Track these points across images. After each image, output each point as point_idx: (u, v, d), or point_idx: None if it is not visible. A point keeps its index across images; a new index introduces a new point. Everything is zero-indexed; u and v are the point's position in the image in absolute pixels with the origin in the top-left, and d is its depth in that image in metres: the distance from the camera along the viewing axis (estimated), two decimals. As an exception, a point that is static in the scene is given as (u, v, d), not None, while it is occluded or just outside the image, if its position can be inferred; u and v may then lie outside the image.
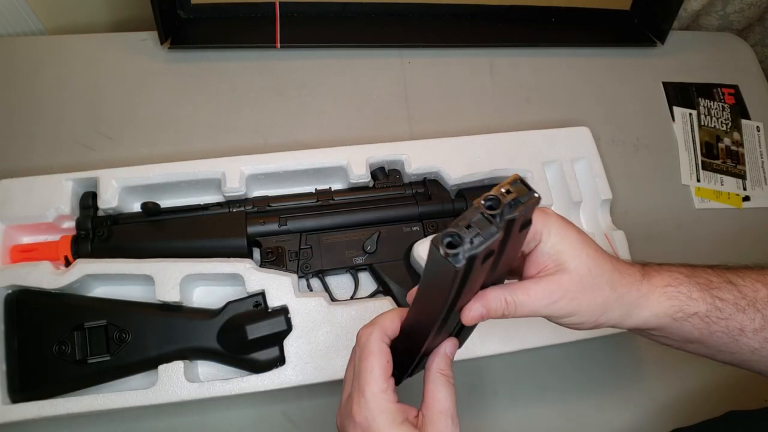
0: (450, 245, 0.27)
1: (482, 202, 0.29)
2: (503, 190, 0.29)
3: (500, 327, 0.58)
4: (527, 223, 0.32)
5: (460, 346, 0.40)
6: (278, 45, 0.77)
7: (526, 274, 0.38)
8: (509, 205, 0.29)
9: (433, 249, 0.28)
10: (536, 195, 0.30)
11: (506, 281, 0.38)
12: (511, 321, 0.58)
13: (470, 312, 0.36)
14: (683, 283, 0.40)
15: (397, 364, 0.38)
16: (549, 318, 0.38)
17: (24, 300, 0.55)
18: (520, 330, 0.58)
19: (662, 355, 0.65)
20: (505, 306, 0.36)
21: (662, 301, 0.39)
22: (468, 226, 0.28)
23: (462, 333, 0.40)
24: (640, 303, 0.39)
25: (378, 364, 0.37)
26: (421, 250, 0.59)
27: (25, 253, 0.58)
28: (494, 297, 0.36)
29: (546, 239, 0.37)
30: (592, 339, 0.60)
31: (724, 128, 0.82)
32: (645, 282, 0.39)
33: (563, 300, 0.37)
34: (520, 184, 0.30)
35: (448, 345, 0.38)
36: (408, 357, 0.39)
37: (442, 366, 0.38)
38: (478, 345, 0.57)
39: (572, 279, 0.37)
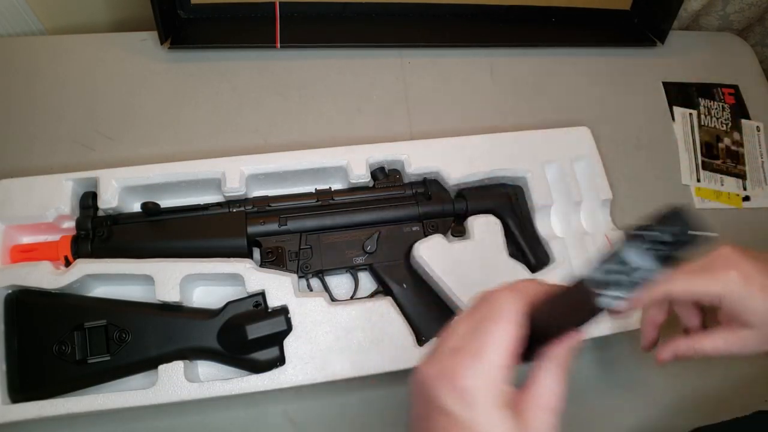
0: (602, 284, 0.28)
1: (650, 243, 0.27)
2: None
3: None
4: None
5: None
6: (278, 45, 0.77)
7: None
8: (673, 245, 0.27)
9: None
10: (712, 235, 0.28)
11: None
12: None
13: (664, 352, 0.44)
14: None
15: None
16: (736, 355, 0.42)
17: (24, 300, 0.55)
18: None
19: (662, 355, 0.65)
20: (692, 351, 0.43)
21: None
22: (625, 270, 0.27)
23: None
24: None
25: (510, 335, 0.32)
26: (421, 250, 0.59)
27: (25, 253, 0.58)
28: (684, 344, 0.43)
29: (727, 304, 0.41)
30: (592, 339, 0.60)
31: (724, 128, 0.82)
32: None
33: (750, 343, 0.41)
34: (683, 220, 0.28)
35: (573, 337, 0.34)
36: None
37: (559, 355, 0.34)
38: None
39: (755, 334, 0.41)
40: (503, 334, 0.32)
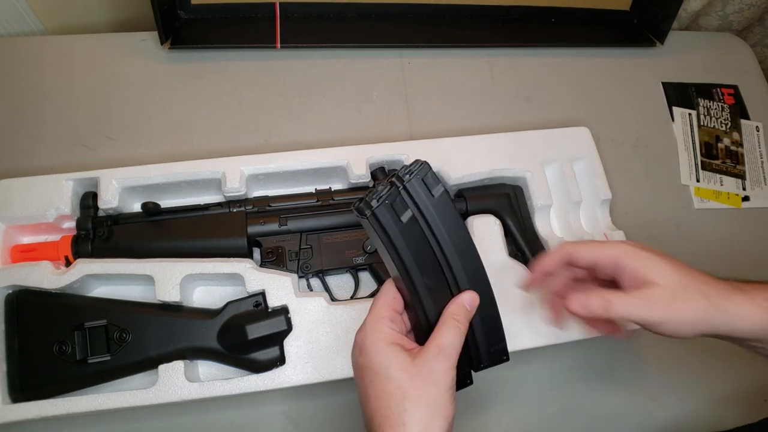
0: (359, 209, 0.40)
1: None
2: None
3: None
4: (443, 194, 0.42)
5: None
6: (278, 45, 0.77)
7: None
8: (401, 175, 0.41)
9: (356, 216, 0.40)
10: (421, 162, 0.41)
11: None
12: (511, 321, 0.58)
13: (573, 301, 0.42)
14: None
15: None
16: (648, 324, 0.41)
17: (24, 300, 0.55)
18: (520, 330, 0.58)
19: (663, 356, 0.65)
20: (605, 303, 0.41)
21: (760, 313, 0.41)
22: (375, 195, 0.40)
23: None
24: (738, 312, 0.41)
25: (383, 297, 0.42)
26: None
27: (25, 253, 0.58)
28: (596, 294, 0.41)
29: (627, 264, 0.42)
30: (593, 339, 0.60)
31: (724, 128, 0.83)
32: (738, 293, 0.41)
33: (657, 306, 0.40)
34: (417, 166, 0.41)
35: (466, 295, 0.42)
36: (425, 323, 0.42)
37: (455, 311, 0.41)
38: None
39: (663, 290, 0.41)
40: (378, 299, 0.43)
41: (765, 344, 0.42)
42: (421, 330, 0.42)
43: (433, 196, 0.41)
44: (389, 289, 0.43)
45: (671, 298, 0.41)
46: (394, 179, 0.41)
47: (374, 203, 0.39)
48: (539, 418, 0.61)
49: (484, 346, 0.44)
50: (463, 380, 0.44)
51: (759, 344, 0.42)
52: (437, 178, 0.41)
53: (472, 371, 0.45)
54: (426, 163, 0.42)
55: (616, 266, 0.43)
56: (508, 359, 0.45)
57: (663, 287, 0.41)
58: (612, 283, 0.44)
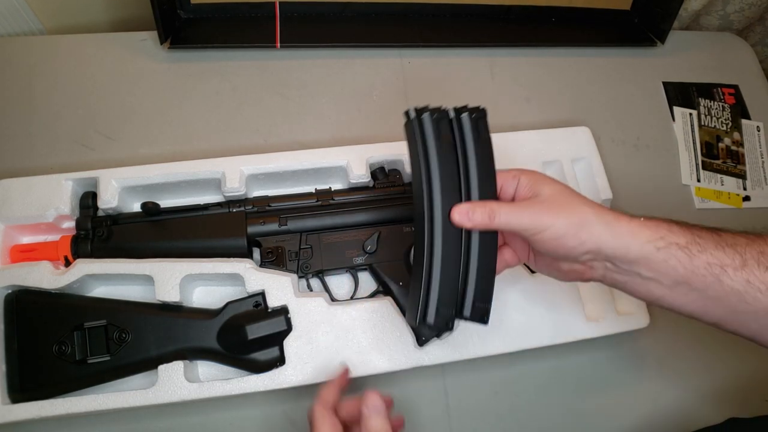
0: (407, 112, 0.44)
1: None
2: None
3: (500, 327, 0.58)
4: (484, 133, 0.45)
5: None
6: (278, 45, 0.77)
7: None
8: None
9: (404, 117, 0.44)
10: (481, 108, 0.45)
11: None
12: (511, 321, 0.58)
13: (456, 211, 0.42)
14: (663, 221, 0.43)
15: None
16: (531, 231, 0.42)
17: (24, 300, 0.55)
18: (520, 330, 0.58)
19: (663, 356, 0.65)
20: (489, 211, 0.42)
21: (643, 229, 0.41)
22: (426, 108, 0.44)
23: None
24: (620, 224, 0.41)
25: (323, 429, 0.43)
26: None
27: (25, 253, 0.58)
28: (480, 204, 0.42)
29: (524, 179, 0.44)
30: (593, 339, 0.60)
31: (725, 128, 0.82)
32: (623, 214, 0.43)
33: (541, 210, 0.42)
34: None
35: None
36: None
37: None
38: (478, 345, 0.57)
39: (547, 199, 0.42)
40: (325, 427, 0.43)
41: (653, 271, 0.41)
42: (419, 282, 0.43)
43: (479, 136, 0.44)
44: (324, 418, 0.43)
45: (555, 205, 0.42)
46: (449, 108, 0.44)
47: (423, 114, 0.43)
48: (539, 418, 0.61)
49: (470, 298, 0.45)
50: (445, 325, 0.44)
51: (646, 272, 0.42)
52: (488, 128, 0.44)
53: (455, 318, 0.45)
54: (485, 109, 0.45)
55: (516, 182, 0.44)
56: (486, 323, 0.45)
57: (549, 195, 0.42)
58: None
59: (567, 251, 0.42)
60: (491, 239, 0.45)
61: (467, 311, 0.45)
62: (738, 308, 0.41)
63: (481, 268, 0.44)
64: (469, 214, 0.42)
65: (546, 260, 0.47)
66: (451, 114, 0.45)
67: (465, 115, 0.45)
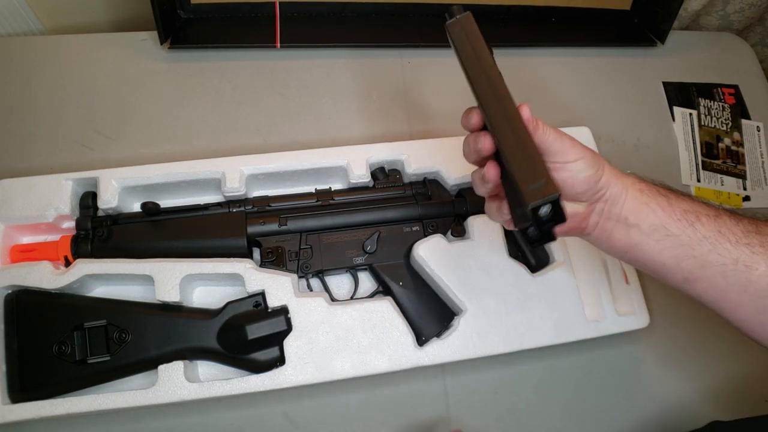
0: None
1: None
2: None
3: (500, 327, 0.58)
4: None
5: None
6: (278, 45, 0.77)
7: None
8: None
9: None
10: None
11: None
12: (511, 321, 0.58)
13: (525, 108, 0.45)
14: (643, 180, 0.47)
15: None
16: (563, 158, 0.44)
17: (24, 300, 0.55)
18: (520, 330, 0.58)
19: (663, 356, 0.65)
20: (541, 125, 0.45)
21: (631, 178, 0.46)
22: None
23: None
24: (616, 174, 0.45)
25: None
26: (421, 250, 0.59)
27: (25, 253, 0.58)
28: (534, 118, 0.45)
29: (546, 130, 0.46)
30: (593, 339, 0.60)
31: (724, 128, 0.82)
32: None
33: (573, 143, 0.44)
34: None
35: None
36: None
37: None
38: (478, 345, 0.57)
39: (572, 139, 0.45)
40: None
41: (636, 216, 0.45)
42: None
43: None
44: None
45: (580, 145, 0.45)
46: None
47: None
48: (539, 418, 0.61)
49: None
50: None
51: (633, 218, 0.45)
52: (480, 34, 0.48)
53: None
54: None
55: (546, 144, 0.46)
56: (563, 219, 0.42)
57: (572, 138, 0.46)
58: None
59: (588, 184, 0.44)
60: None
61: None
62: (708, 259, 0.43)
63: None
64: (531, 115, 0.44)
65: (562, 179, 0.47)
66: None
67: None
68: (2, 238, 0.58)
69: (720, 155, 0.80)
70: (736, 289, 0.43)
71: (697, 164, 0.79)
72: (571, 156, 0.44)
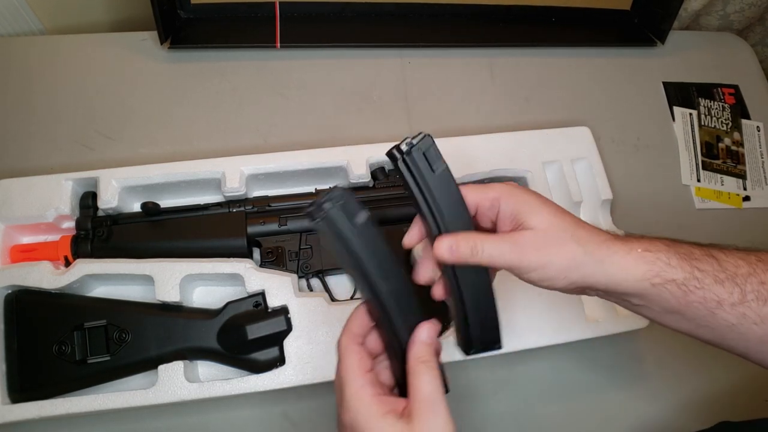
0: (310, 214, 0.36)
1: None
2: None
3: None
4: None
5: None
6: (278, 45, 0.77)
7: None
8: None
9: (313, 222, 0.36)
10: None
11: None
12: (510, 321, 0.58)
13: (440, 245, 0.38)
14: (662, 250, 0.39)
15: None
16: (517, 270, 0.39)
17: (24, 300, 0.55)
18: (520, 330, 0.58)
19: (663, 356, 0.65)
20: (472, 245, 0.38)
21: (639, 264, 0.38)
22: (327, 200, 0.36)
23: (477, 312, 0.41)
24: (613, 261, 0.38)
25: (351, 364, 0.38)
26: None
27: (25, 253, 0.58)
28: (464, 236, 0.38)
29: (504, 206, 0.40)
30: (593, 339, 0.60)
31: (725, 128, 0.82)
32: (618, 242, 0.39)
33: (528, 250, 0.38)
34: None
35: (423, 330, 0.38)
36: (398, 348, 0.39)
37: (419, 354, 0.37)
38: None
39: (536, 234, 0.38)
40: (346, 367, 0.38)
41: (645, 301, 0.39)
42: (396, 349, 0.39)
43: (431, 167, 0.39)
44: (351, 351, 0.38)
45: (542, 244, 0.38)
46: (396, 150, 0.39)
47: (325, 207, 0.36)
48: (539, 418, 0.61)
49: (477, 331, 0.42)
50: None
51: (638, 301, 0.40)
52: (440, 156, 0.39)
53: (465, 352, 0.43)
54: (429, 136, 0.39)
55: (496, 208, 0.40)
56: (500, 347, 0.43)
57: (535, 231, 0.38)
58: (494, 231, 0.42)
59: (555, 287, 0.40)
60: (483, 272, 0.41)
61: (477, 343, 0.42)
62: (728, 336, 0.40)
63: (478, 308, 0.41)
64: (452, 248, 0.38)
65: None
66: (402, 149, 0.39)
67: (415, 151, 0.39)
68: (2, 238, 0.58)
69: (720, 155, 0.80)
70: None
71: (697, 164, 0.79)
72: (524, 268, 0.38)
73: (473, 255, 0.38)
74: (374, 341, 0.41)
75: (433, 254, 0.39)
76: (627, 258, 0.39)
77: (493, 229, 0.42)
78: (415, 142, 0.38)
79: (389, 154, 0.39)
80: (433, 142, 0.39)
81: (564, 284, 0.39)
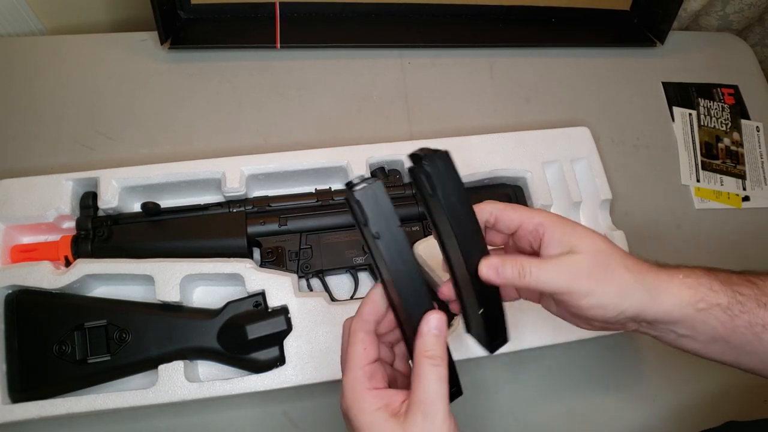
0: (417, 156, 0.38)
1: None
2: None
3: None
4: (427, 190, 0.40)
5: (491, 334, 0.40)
6: (278, 45, 0.77)
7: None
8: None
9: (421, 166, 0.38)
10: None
11: None
12: (511, 321, 0.58)
13: (484, 265, 0.37)
14: (703, 276, 0.39)
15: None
16: (568, 296, 0.37)
17: (24, 300, 0.55)
18: (520, 330, 0.58)
19: (663, 356, 0.65)
20: (520, 268, 0.37)
21: (683, 290, 0.38)
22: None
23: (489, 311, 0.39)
24: (660, 287, 0.38)
25: (354, 352, 0.36)
26: (421, 249, 0.59)
27: (25, 253, 0.58)
28: (511, 259, 0.37)
29: (551, 233, 0.38)
30: (593, 339, 0.60)
31: (724, 128, 0.82)
32: (662, 271, 0.39)
33: (580, 274, 0.37)
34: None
35: (430, 320, 0.36)
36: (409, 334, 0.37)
37: (426, 347, 0.35)
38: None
39: (587, 258, 0.37)
40: (349, 355, 0.37)
41: (691, 329, 0.39)
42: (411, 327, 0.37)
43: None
44: (357, 339, 0.37)
45: (595, 268, 0.37)
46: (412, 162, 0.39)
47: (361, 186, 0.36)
48: (539, 418, 0.61)
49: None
50: (454, 393, 0.39)
51: (684, 330, 0.39)
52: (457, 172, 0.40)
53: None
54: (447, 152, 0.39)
55: (540, 234, 0.39)
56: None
57: (587, 255, 0.37)
58: (532, 255, 0.41)
59: (604, 318, 0.38)
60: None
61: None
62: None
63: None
64: (498, 269, 0.37)
65: (572, 314, 0.42)
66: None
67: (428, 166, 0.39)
68: (2, 238, 0.58)
69: (719, 155, 0.80)
70: None
71: (696, 164, 0.79)
72: (574, 294, 0.37)
73: (521, 278, 0.37)
74: (386, 326, 0.39)
75: (479, 274, 0.37)
76: (671, 284, 0.38)
77: (532, 253, 0.41)
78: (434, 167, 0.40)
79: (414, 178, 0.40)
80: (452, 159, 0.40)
81: (613, 313, 0.38)
